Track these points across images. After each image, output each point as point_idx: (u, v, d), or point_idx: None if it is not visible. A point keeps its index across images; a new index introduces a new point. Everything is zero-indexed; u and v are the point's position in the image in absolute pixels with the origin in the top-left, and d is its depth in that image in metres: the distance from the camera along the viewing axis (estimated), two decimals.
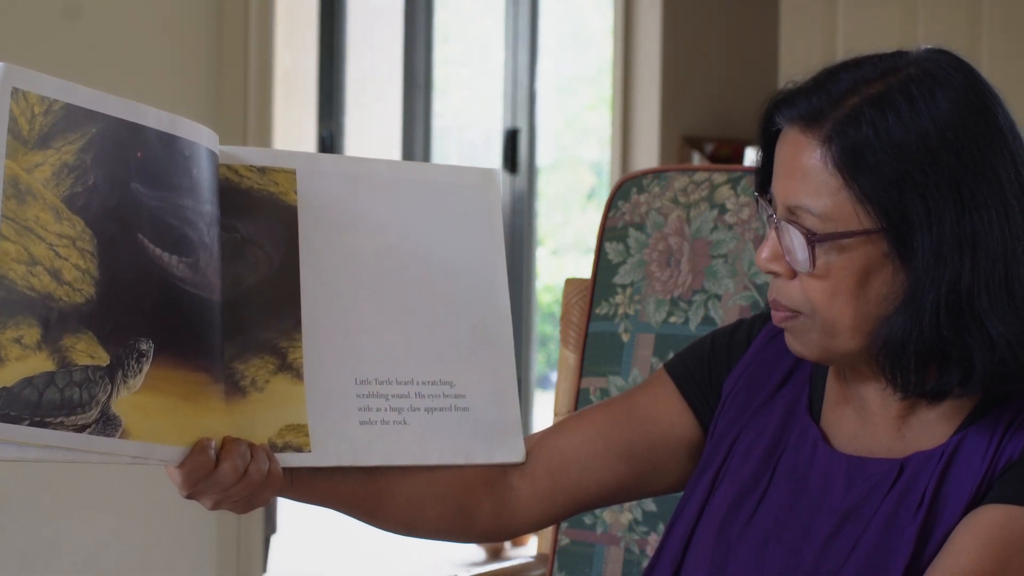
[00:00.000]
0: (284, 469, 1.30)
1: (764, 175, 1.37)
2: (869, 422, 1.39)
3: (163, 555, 3.58)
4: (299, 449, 1.30)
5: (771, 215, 1.33)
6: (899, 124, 1.29)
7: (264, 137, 4.23)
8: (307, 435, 1.31)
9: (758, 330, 1.49)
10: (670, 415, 1.47)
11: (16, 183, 1.16)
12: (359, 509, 1.39)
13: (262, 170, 1.34)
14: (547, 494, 1.45)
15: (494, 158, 4.63)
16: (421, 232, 1.39)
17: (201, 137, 1.28)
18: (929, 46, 1.34)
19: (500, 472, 1.44)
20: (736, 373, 1.47)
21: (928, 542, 1.31)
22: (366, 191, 1.38)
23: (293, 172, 1.35)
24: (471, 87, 5.02)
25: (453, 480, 1.41)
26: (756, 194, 1.39)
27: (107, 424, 1.19)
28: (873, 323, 1.31)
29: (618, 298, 1.78)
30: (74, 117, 1.21)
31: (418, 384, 1.36)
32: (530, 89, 4.57)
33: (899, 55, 1.33)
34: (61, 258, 1.18)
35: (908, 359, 1.31)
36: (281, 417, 1.30)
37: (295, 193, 1.34)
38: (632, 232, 1.78)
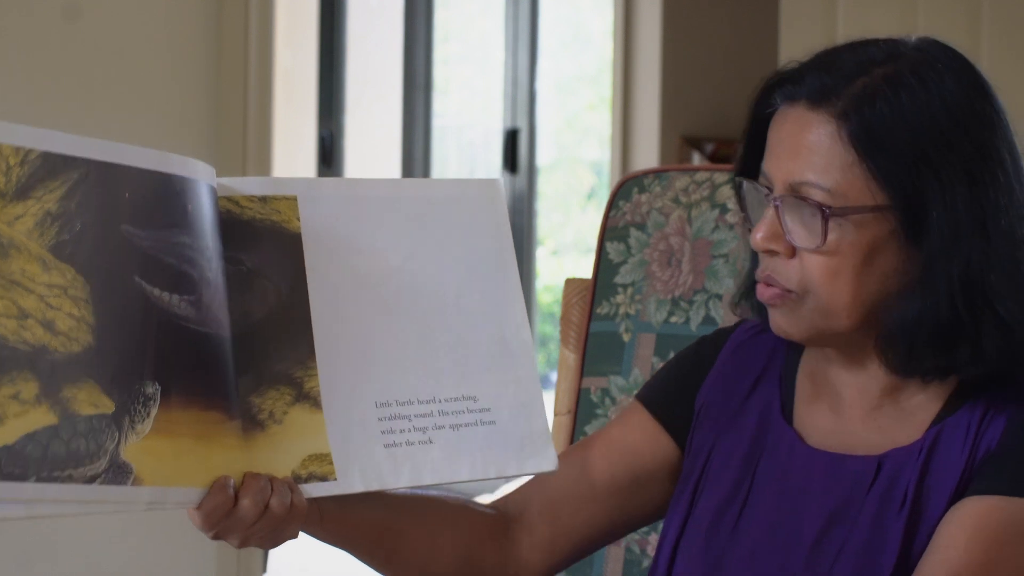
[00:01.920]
0: (311, 501, 1.28)
1: (751, 157, 1.37)
2: (844, 416, 1.38)
3: (163, 555, 3.58)
4: (324, 478, 1.29)
5: (768, 194, 1.33)
6: (914, 103, 1.30)
7: (264, 138, 4.23)
8: (331, 463, 1.29)
9: (723, 341, 1.49)
10: (647, 442, 1.47)
11: None
12: (380, 549, 1.39)
13: (263, 199, 1.32)
14: (546, 541, 1.46)
15: (494, 158, 4.63)
16: (428, 249, 1.37)
17: (195, 172, 1.27)
18: (920, 36, 1.35)
19: (501, 523, 1.45)
20: (707, 386, 1.47)
21: (915, 539, 1.31)
22: (369, 212, 1.36)
23: (294, 199, 1.33)
24: (471, 87, 5.02)
25: (459, 526, 1.42)
26: (738, 177, 1.38)
27: (118, 472, 1.16)
28: (870, 303, 1.32)
29: (619, 298, 1.78)
30: (53, 164, 1.18)
31: (441, 402, 1.34)
32: (530, 89, 4.57)
33: (897, 41, 1.35)
34: (53, 308, 1.16)
35: (921, 338, 1.31)
36: (303, 448, 1.28)
37: (298, 220, 1.32)
38: (633, 232, 1.78)
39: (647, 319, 1.75)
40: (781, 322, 1.35)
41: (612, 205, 1.80)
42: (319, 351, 1.31)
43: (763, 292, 1.35)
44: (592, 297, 1.79)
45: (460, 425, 1.34)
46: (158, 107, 4.05)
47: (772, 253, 1.33)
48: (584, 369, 1.78)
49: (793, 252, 1.32)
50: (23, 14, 3.75)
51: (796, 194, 1.31)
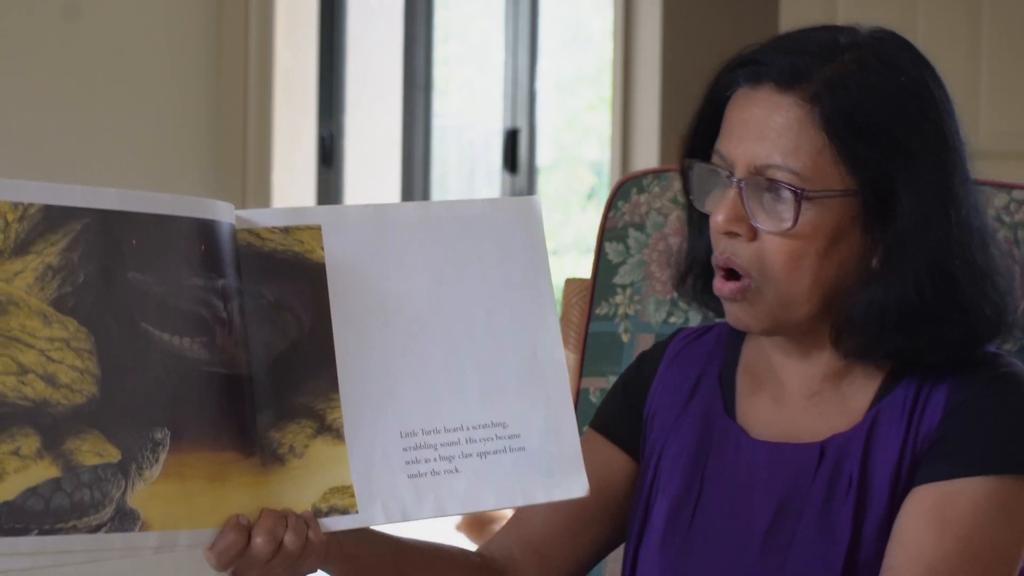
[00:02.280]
0: (331, 535, 1.28)
1: (704, 139, 1.37)
2: (786, 406, 1.39)
3: (163, 555, 3.58)
4: (345, 511, 1.28)
5: (728, 175, 1.32)
6: (883, 88, 1.31)
7: (264, 138, 4.23)
8: (352, 496, 1.28)
9: (661, 353, 1.50)
10: (607, 465, 1.48)
11: None
12: None
13: (285, 230, 1.30)
14: None
15: (494, 158, 4.63)
16: (457, 272, 1.35)
17: (209, 211, 1.27)
18: (871, 25, 1.37)
19: (492, 570, 1.46)
20: (651, 396, 1.48)
21: (864, 522, 1.32)
22: (395, 238, 1.34)
23: (318, 228, 1.31)
24: (471, 87, 5.02)
25: (453, 570, 1.43)
26: (688, 159, 1.37)
27: (124, 520, 1.17)
28: (828, 288, 1.32)
29: (618, 298, 1.78)
30: (54, 217, 1.19)
31: (468, 429, 1.32)
32: (530, 89, 4.57)
33: (852, 28, 1.36)
34: (55, 362, 1.17)
35: (888, 323, 1.32)
36: (324, 481, 1.28)
37: (322, 249, 1.31)
38: (632, 232, 1.78)
39: (646, 319, 1.76)
40: (742, 316, 1.35)
41: (611, 206, 1.80)
42: (343, 382, 1.30)
43: (722, 287, 1.35)
44: (591, 298, 1.79)
45: (488, 452, 1.32)
46: (158, 107, 4.05)
47: (732, 235, 1.33)
48: (583, 369, 1.78)
49: (754, 235, 1.32)
50: (23, 14, 3.75)
51: (763, 176, 1.31)
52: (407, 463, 1.30)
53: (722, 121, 1.36)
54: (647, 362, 1.51)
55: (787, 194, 1.30)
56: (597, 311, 1.79)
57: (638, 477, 1.46)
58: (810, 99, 1.30)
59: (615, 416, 1.50)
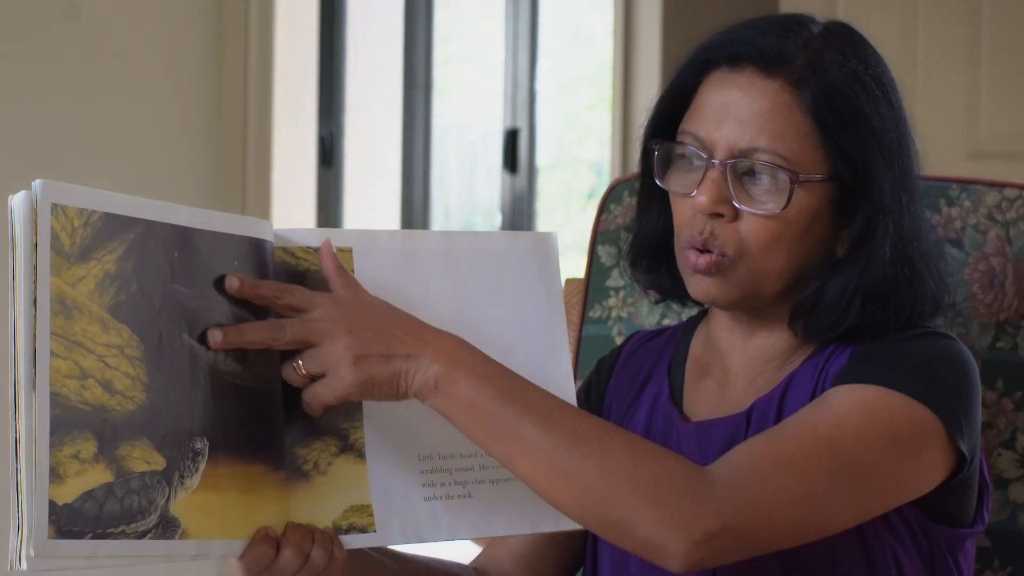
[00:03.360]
0: (349, 553, 1.29)
1: (669, 119, 1.38)
2: (729, 386, 1.42)
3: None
4: (364, 530, 1.30)
5: (708, 158, 1.34)
6: (859, 75, 1.33)
7: (264, 138, 4.23)
8: (371, 515, 1.31)
9: (617, 355, 1.53)
10: None
11: (62, 299, 1.17)
12: None
13: (319, 251, 1.33)
14: None
15: (494, 158, 4.62)
16: (477, 303, 1.38)
17: (250, 229, 1.29)
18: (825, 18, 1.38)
19: None
20: (608, 392, 1.51)
21: None
22: (421, 266, 1.37)
23: (349, 251, 1.35)
24: (471, 87, 5.02)
25: None
26: (656, 139, 1.39)
27: (167, 527, 1.20)
28: (798, 269, 1.35)
29: (611, 301, 1.78)
30: (113, 226, 1.21)
31: (482, 456, 1.34)
32: (530, 89, 4.57)
33: (811, 18, 1.37)
34: (111, 368, 1.19)
35: (851, 305, 1.34)
36: (345, 499, 1.30)
37: (352, 271, 1.33)
38: (624, 235, 1.78)
39: (639, 322, 1.76)
40: (711, 289, 1.36)
41: (603, 209, 1.80)
42: (366, 403, 1.32)
43: (696, 260, 1.36)
44: (584, 300, 1.79)
45: (499, 480, 1.35)
46: (158, 107, 4.05)
47: (715, 216, 1.34)
48: (577, 372, 1.78)
49: (735, 215, 1.33)
50: (23, 14, 3.75)
51: (747, 159, 1.31)
52: (423, 486, 1.33)
53: (693, 103, 1.36)
54: (604, 365, 1.55)
55: (775, 177, 1.32)
56: (590, 314, 1.79)
57: None
58: (795, 83, 1.31)
59: None
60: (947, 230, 1.61)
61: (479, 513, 1.34)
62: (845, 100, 1.32)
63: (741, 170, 1.33)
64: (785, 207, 1.32)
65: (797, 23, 1.35)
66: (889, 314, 1.35)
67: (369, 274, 1.34)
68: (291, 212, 4.29)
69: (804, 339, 1.38)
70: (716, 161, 1.33)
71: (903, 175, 1.34)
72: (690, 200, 1.35)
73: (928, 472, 1.30)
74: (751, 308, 1.39)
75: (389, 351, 1.23)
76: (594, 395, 1.53)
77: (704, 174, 1.34)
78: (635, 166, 1.46)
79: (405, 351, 1.24)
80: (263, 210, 4.19)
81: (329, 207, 4.56)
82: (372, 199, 4.74)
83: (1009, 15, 3.62)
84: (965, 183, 1.63)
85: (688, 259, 1.36)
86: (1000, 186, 1.62)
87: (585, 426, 1.25)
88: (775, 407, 1.36)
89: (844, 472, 1.25)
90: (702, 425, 1.40)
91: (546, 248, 1.42)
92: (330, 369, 1.24)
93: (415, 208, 4.77)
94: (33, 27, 3.76)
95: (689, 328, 1.51)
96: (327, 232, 1.34)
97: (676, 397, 1.45)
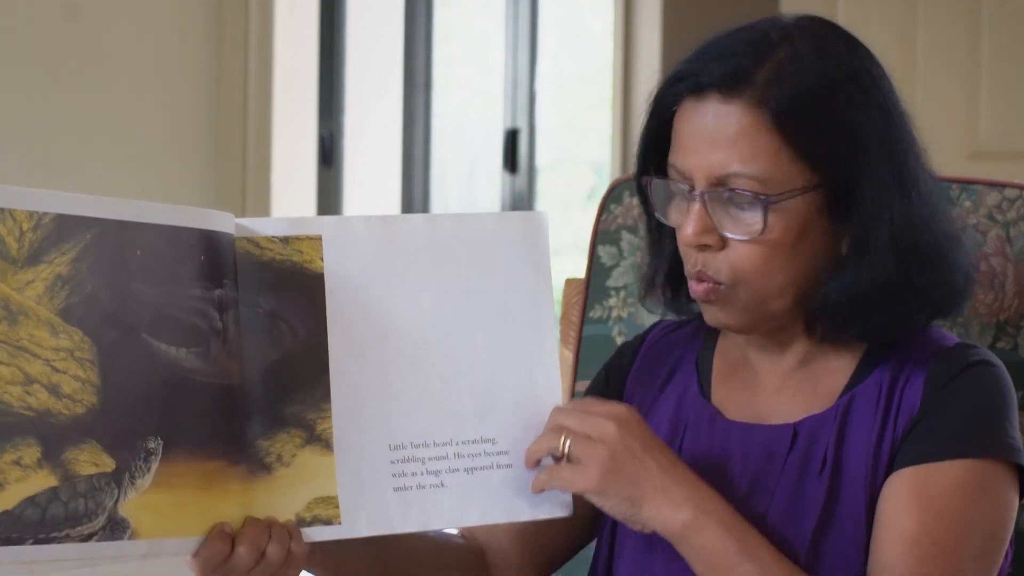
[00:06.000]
0: (315, 545, 1.28)
1: (658, 154, 1.38)
2: (759, 390, 1.42)
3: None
4: (328, 522, 1.29)
5: (690, 189, 1.33)
6: (822, 77, 1.32)
7: (264, 138, 4.23)
8: (336, 507, 1.29)
9: (641, 342, 1.52)
10: None
11: (7, 305, 1.16)
12: None
13: (285, 240, 1.31)
14: (525, 562, 1.49)
15: (494, 158, 4.62)
16: (461, 290, 1.35)
17: (210, 222, 1.27)
18: (795, 13, 1.37)
19: (477, 554, 1.48)
20: (630, 381, 1.50)
21: (837, 500, 1.34)
22: (402, 253, 1.34)
23: (319, 239, 1.32)
24: (471, 87, 5.01)
25: (449, 566, 1.45)
26: (644, 176, 1.39)
27: (114, 528, 1.19)
28: (801, 281, 1.34)
29: (612, 301, 1.78)
30: (66, 227, 1.19)
31: (457, 444, 1.33)
32: (530, 89, 4.57)
33: (779, 20, 1.36)
34: (59, 372, 1.18)
35: (862, 303, 1.34)
36: (309, 491, 1.29)
37: (321, 260, 1.31)
38: (625, 235, 1.78)
39: (640, 322, 1.76)
40: (719, 316, 1.37)
41: (603, 209, 1.80)
42: (335, 394, 1.30)
43: (696, 289, 1.36)
44: (584, 300, 1.79)
45: (475, 468, 1.33)
46: (158, 107, 4.05)
47: (703, 247, 1.34)
48: (578, 372, 1.78)
49: (724, 243, 1.34)
50: (23, 14, 3.75)
51: (724, 186, 1.31)
52: (394, 476, 1.31)
53: (672, 134, 1.37)
54: (627, 351, 1.54)
55: (751, 202, 1.31)
56: (591, 314, 1.79)
57: None
58: (757, 103, 1.31)
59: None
60: None
61: (452, 503, 1.32)
62: (814, 107, 1.31)
63: (722, 197, 1.33)
64: (763, 230, 1.31)
65: (760, 35, 1.34)
66: (906, 308, 1.35)
67: (341, 263, 1.31)
68: (291, 212, 4.29)
69: (823, 342, 1.39)
70: (697, 192, 1.33)
71: (898, 167, 1.33)
72: (681, 233, 1.36)
73: (1015, 503, 1.36)
74: (770, 329, 1.39)
75: (639, 480, 1.30)
76: (614, 379, 1.53)
77: (688, 205, 1.34)
78: (635, 166, 1.45)
79: (653, 484, 1.30)
80: (263, 210, 4.19)
81: (329, 207, 4.56)
82: (372, 199, 4.73)
83: (1009, 15, 3.62)
84: (965, 183, 1.63)
85: (692, 289, 1.37)
86: (1000, 186, 1.62)
87: None
88: (833, 431, 1.37)
89: (983, 565, 1.33)
90: (748, 427, 1.40)
91: (536, 228, 1.38)
92: (585, 463, 1.29)
93: (415, 208, 4.77)
94: (33, 27, 3.76)
95: None
96: (294, 220, 1.31)
97: (705, 391, 1.45)
